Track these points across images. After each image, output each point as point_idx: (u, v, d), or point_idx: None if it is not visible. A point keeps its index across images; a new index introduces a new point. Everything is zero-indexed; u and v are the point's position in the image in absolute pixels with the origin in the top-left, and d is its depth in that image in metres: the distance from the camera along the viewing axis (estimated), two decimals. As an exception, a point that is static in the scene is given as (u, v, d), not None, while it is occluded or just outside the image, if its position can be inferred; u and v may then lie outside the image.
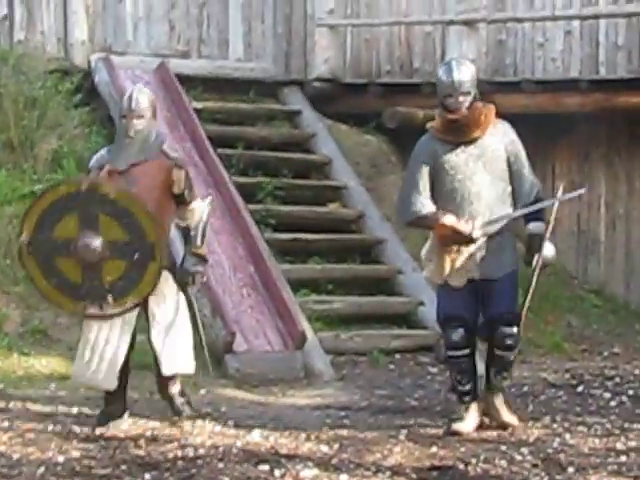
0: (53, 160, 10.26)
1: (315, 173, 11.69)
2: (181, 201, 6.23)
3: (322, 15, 12.14)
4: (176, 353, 6.30)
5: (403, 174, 11.91)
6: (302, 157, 11.81)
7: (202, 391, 8.30)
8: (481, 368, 6.92)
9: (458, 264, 6.57)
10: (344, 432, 7.02)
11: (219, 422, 7.29)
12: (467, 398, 6.70)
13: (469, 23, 10.97)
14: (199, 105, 11.33)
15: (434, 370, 8.65)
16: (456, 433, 6.59)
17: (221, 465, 6.01)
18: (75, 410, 6.82)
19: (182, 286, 6.42)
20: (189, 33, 12.29)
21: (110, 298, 6.09)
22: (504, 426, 6.48)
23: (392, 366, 8.82)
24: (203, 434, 6.93)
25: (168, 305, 6.28)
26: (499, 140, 6.38)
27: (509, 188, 6.38)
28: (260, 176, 11.07)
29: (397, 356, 9.01)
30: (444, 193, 6.39)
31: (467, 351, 6.67)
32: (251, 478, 5.87)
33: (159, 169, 6.12)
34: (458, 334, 6.62)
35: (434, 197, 6.40)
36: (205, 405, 7.82)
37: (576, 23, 11.08)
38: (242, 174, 10.91)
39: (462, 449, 6.44)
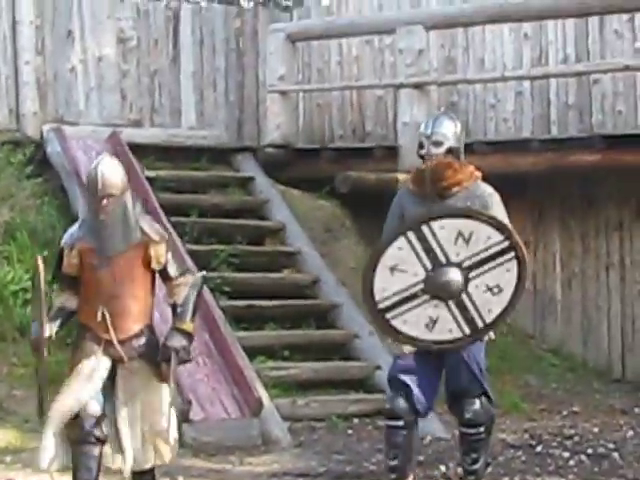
0: (6, 232, 10.08)
1: (269, 239, 11.56)
2: (165, 277, 5.57)
3: (273, 81, 11.98)
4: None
5: (357, 238, 11.67)
6: (256, 223, 11.73)
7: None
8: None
9: None
10: None
11: None
12: (393, 475, 6.36)
13: (420, 86, 10.79)
14: (152, 174, 11.14)
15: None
16: None
17: None
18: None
19: (163, 361, 5.78)
20: (141, 102, 12.24)
21: None
22: None
23: (350, 431, 8.65)
24: None
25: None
26: (464, 200, 6.22)
27: None
28: (214, 243, 10.97)
29: (355, 420, 8.85)
30: None
31: (400, 424, 6.27)
32: None
33: (136, 247, 5.47)
34: (397, 402, 6.29)
35: None
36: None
37: (527, 84, 11.11)
38: (196, 242, 10.74)
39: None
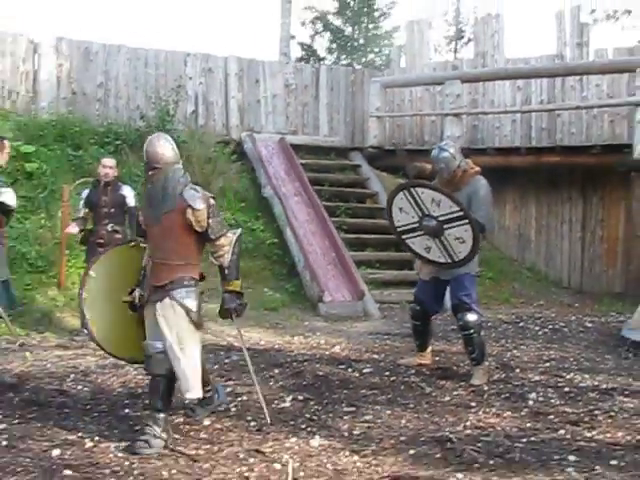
0: (221, 192, 11.64)
1: (369, 200, 13.05)
2: (207, 238, 5.02)
3: (372, 111, 13.58)
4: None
5: None
6: (361, 191, 13.12)
7: (305, 323, 9.31)
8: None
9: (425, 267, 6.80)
10: (387, 346, 7.95)
11: (316, 340, 8.31)
12: (417, 348, 7.12)
13: (457, 115, 12.26)
14: (302, 161, 12.75)
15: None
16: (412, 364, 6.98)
17: (317, 365, 6.93)
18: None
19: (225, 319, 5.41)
20: (296, 121, 14.06)
21: None
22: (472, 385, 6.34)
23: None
24: (307, 347, 7.91)
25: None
26: (468, 188, 6.50)
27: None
28: (338, 202, 12.49)
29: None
30: None
31: (419, 322, 6.93)
32: (334, 373, 6.64)
33: (177, 212, 4.89)
34: (415, 310, 6.95)
35: None
36: (307, 331, 8.73)
37: (518, 115, 12.67)
38: (327, 200, 12.25)
39: (454, 358, 7.29)
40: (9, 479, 4.20)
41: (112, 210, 8.05)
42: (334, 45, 20.96)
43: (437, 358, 7.21)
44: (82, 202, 8.15)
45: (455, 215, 6.17)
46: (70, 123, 11.76)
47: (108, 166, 8.17)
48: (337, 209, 12.27)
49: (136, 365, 6.38)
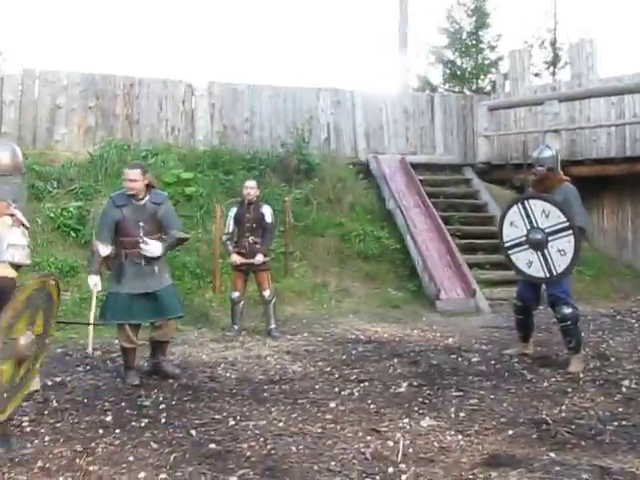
0: (350, 207, 11.93)
1: (480, 210, 12.74)
2: None
3: (481, 131, 13.50)
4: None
5: None
6: (472, 201, 12.91)
7: (423, 318, 9.20)
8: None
9: None
10: (494, 338, 7.88)
11: (432, 333, 8.20)
12: (520, 339, 7.03)
13: (556, 131, 11.96)
14: (421, 177, 12.66)
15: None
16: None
17: (432, 355, 6.98)
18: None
19: None
20: (415, 142, 13.99)
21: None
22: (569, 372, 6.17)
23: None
24: (424, 339, 7.83)
25: None
26: (556, 194, 6.34)
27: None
28: (452, 212, 12.30)
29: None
30: None
31: (521, 316, 6.85)
32: (446, 362, 6.66)
33: None
34: (517, 305, 6.87)
35: None
36: (425, 325, 8.66)
37: (612, 128, 12.15)
38: (442, 211, 12.05)
39: (554, 347, 7.12)
40: (165, 449, 4.42)
41: (254, 225, 8.18)
42: (446, 74, 20.84)
43: (539, 348, 7.08)
44: (230, 219, 8.30)
45: (561, 226, 6.03)
46: (222, 152, 12.05)
47: (250, 187, 8.30)
48: (451, 218, 12.18)
49: (276, 356, 6.76)
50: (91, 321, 5.68)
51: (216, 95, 12.60)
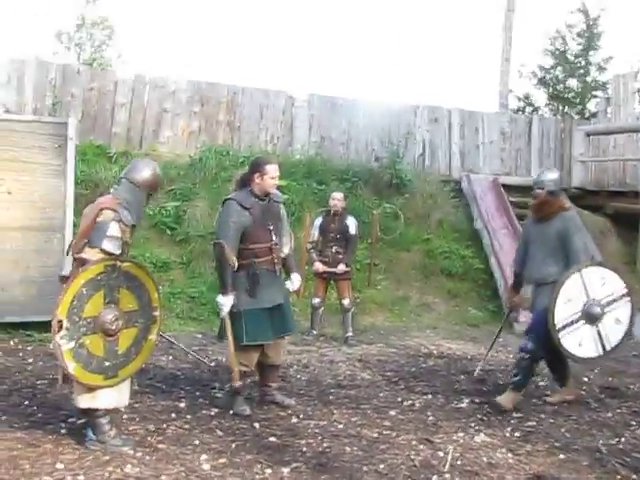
0: (438, 224, 11.94)
1: None
2: None
3: (577, 156, 13.51)
4: None
5: (615, 238, 12.44)
6: None
7: (500, 339, 8.14)
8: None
9: None
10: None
11: (505, 354, 8.13)
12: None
13: None
14: (513, 199, 12.60)
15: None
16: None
17: (500, 375, 7.01)
18: None
19: None
20: (510, 164, 14.00)
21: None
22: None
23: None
24: (496, 359, 7.71)
25: None
26: (555, 222, 5.84)
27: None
28: None
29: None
30: None
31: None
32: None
33: None
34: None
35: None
36: (500, 346, 8.29)
37: None
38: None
39: (627, 380, 7.03)
40: (229, 437, 4.81)
41: (338, 236, 8.49)
42: (550, 95, 20.60)
43: (609, 379, 7.05)
44: (316, 229, 8.62)
45: (619, 293, 5.74)
46: (317, 162, 12.35)
47: (336, 199, 8.63)
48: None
49: (348, 362, 7.02)
50: (230, 346, 5.16)
51: (315, 106, 12.93)
